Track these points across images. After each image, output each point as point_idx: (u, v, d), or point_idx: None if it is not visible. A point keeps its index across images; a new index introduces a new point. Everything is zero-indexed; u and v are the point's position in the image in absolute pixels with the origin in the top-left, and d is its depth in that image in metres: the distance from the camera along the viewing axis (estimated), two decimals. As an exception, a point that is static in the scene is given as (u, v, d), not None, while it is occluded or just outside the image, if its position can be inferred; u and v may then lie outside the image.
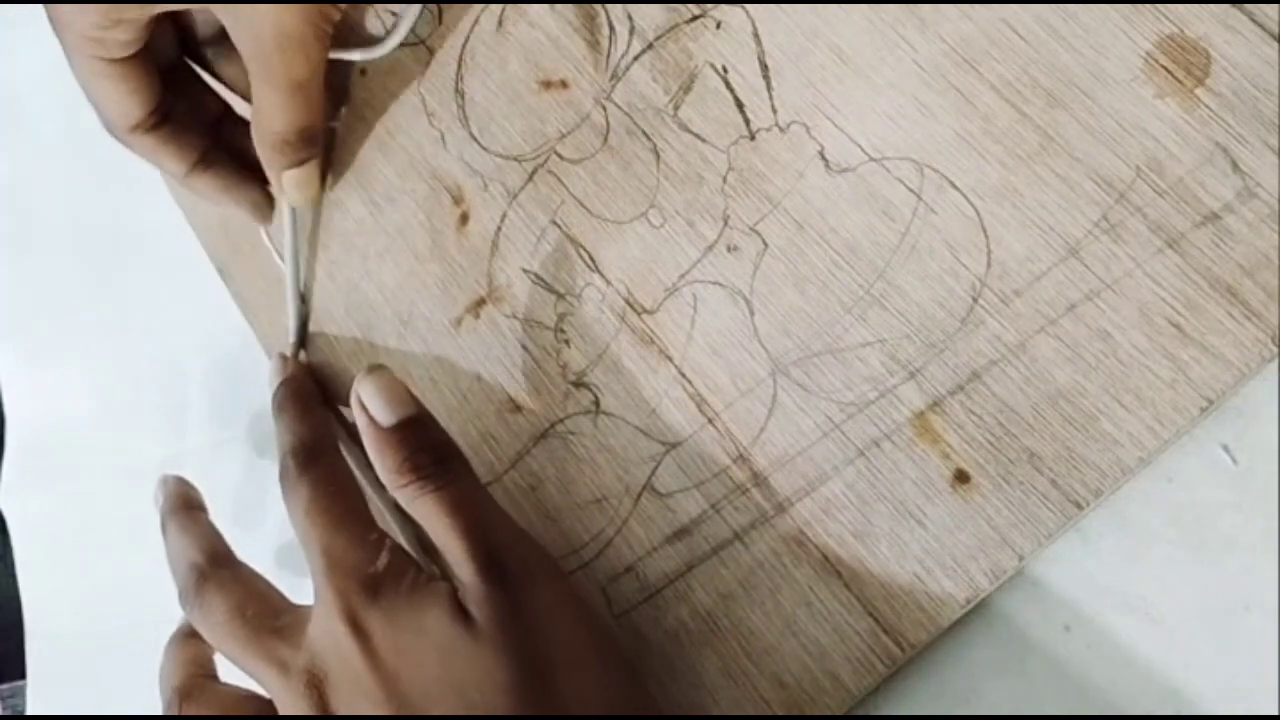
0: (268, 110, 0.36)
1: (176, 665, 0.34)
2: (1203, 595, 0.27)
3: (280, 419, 0.36)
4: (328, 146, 0.41)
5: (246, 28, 0.34)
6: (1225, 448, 0.28)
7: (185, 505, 0.36)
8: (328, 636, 0.29)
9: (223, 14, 0.34)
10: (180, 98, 0.40)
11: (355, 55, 0.39)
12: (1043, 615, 0.29)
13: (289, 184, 0.38)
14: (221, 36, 0.38)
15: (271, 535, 0.47)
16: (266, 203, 0.42)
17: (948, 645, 0.30)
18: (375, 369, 0.32)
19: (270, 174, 0.38)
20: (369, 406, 0.31)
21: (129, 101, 0.37)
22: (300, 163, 0.38)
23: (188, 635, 0.35)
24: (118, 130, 0.38)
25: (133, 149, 0.39)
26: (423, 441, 0.31)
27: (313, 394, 0.37)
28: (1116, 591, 0.28)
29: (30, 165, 0.56)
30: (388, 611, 0.29)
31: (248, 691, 0.32)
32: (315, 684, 0.29)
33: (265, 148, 0.37)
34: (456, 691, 0.27)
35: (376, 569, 0.29)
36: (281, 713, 0.30)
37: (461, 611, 0.28)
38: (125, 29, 0.35)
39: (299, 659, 0.29)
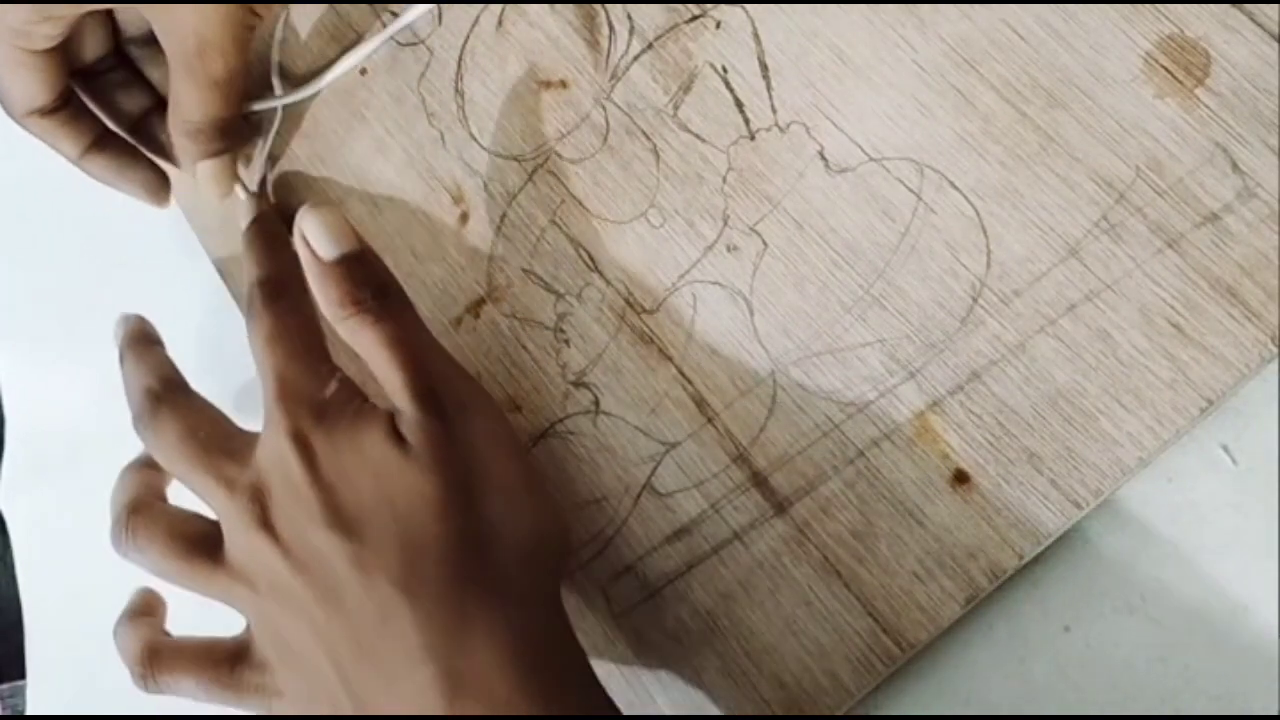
0: (184, 102, 0.37)
1: (128, 485, 0.35)
2: (1203, 595, 0.27)
3: (250, 254, 0.36)
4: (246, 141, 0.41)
5: (169, 30, 0.35)
6: (1225, 448, 0.28)
7: (142, 339, 0.37)
8: (274, 455, 0.30)
9: (149, 15, 0.36)
10: (100, 88, 0.41)
11: (274, 102, 0.41)
12: (1043, 615, 0.29)
13: (202, 175, 0.39)
14: (149, 36, 0.40)
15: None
16: (160, 183, 0.43)
17: (948, 645, 0.30)
18: (318, 204, 0.33)
19: (185, 165, 0.39)
20: (311, 241, 0.32)
21: (36, 88, 0.38)
22: (214, 154, 0.39)
23: (142, 464, 0.36)
24: (15, 112, 0.39)
25: (28, 129, 0.40)
26: (364, 275, 0.32)
27: (282, 234, 0.37)
28: (1116, 591, 0.28)
29: (30, 165, 0.56)
30: (331, 433, 0.30)
31: (195, 512, 0.33)
32: (258, 497, 0.30)
33: (179, 136, 0.38)
34: (388, 505, 0.29)
35: (325, 395, 0.31)
36: (225, 528, 0.31)
37: (398, 436, 0.30)
38: (52, 25, 0.36)
39: (245, 476, 0.31)
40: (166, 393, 0.34)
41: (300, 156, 0.41)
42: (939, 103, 0.29)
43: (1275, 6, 0.26)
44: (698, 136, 0.33)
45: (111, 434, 0.52)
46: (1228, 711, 0.27)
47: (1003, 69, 0.29)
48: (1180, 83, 0.27)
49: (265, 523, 0.30)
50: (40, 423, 0.56)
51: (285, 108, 0.41)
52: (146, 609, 0.36)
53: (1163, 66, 0.27)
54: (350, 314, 0.31)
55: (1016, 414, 0.28)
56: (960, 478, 0.29)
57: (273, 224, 0.37)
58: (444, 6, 0.38)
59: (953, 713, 0.30)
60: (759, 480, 0.31)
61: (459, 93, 0.38)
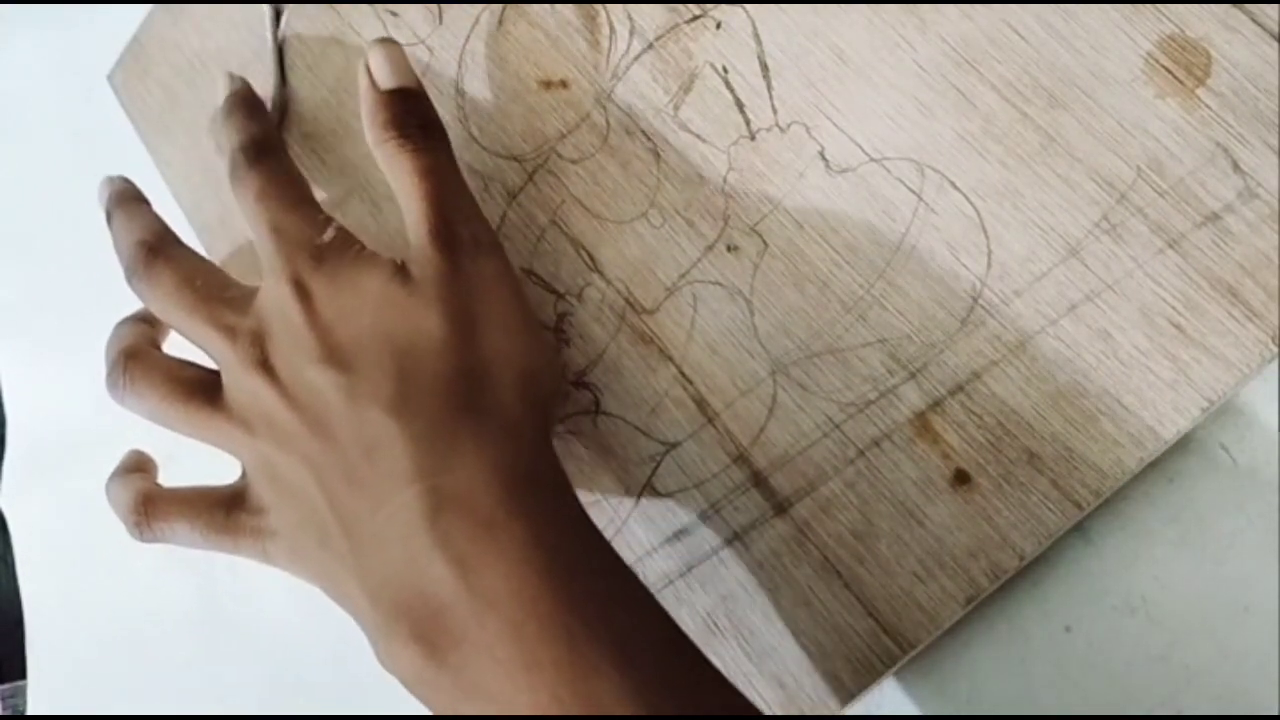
0: None
1: (124, 335, 0.35)
2: (1203, 596, 0.27)
3: (229, 121, 0.36)
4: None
5: None
6: (1226, 448, 0.27)
7: (130, 197, 0.37)
8: (273, 300, 0.31)
9: None
10: None
11: None
12: (1043, 615, 0.29)
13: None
14: None
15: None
16: None
17: (948, 645, 0.30)
18: (388, 41, 0.33)
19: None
20: (373, 68, 0.33)
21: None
22: None
23: (138, 318, 0.36)
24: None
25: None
26: (413, 108, 0.33)
27: (260, 104, 0.37)
28: (1117, 592, 0.28)
29: (30, 165, 0.56)
30: (330, 275, 0.30)
31: (191, 361, 0.33)
32: (258, 341, 0.30)
33: None
34: (386, 338, 0.29)
35: (323, 240, 0.31)
36: (224, 372, 0.31)
37: (402, 272, 0.30)
38: None
39: (245, 323, 0.31)
40: (160, 244, 0.34)
41: (301, 155, 0.41)
42: (940, 103, 0.29)
43: (1276, 6, 0.26)
44: (698, 136, 0.33)
45: (111, 434, 0.52)
46: (1228, 712, 0.27)
47: (1003, 69, 0.29)
48: (1181, 83, 0.27)
49: (264, 363, 0.30)
50: (40, 423, 0.56)
51: (286, 103, 0.41)
52: (138, 466, 0.36)
53: (1164, 66, 0.27)
54: (391, 138, 0.31)
55: (1017, 414, 0.28)
56: (961, 478, 0.29)
57: (250, 95, 0.37)
58: (444, 6, 0.38)
59: (953, 713, 0.30)
60: (759, 480, 0.31)
61: (459, 92, 0.38)
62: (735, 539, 0.32)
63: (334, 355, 0.29)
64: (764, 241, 0.31)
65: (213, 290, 0.32)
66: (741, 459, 0.32)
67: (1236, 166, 0.26)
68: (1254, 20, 0.26)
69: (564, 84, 0.35)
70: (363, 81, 0.33)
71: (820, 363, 0.31)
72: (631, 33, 0.34)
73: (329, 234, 0.31)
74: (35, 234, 0.56)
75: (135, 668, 0.52)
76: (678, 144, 0.33)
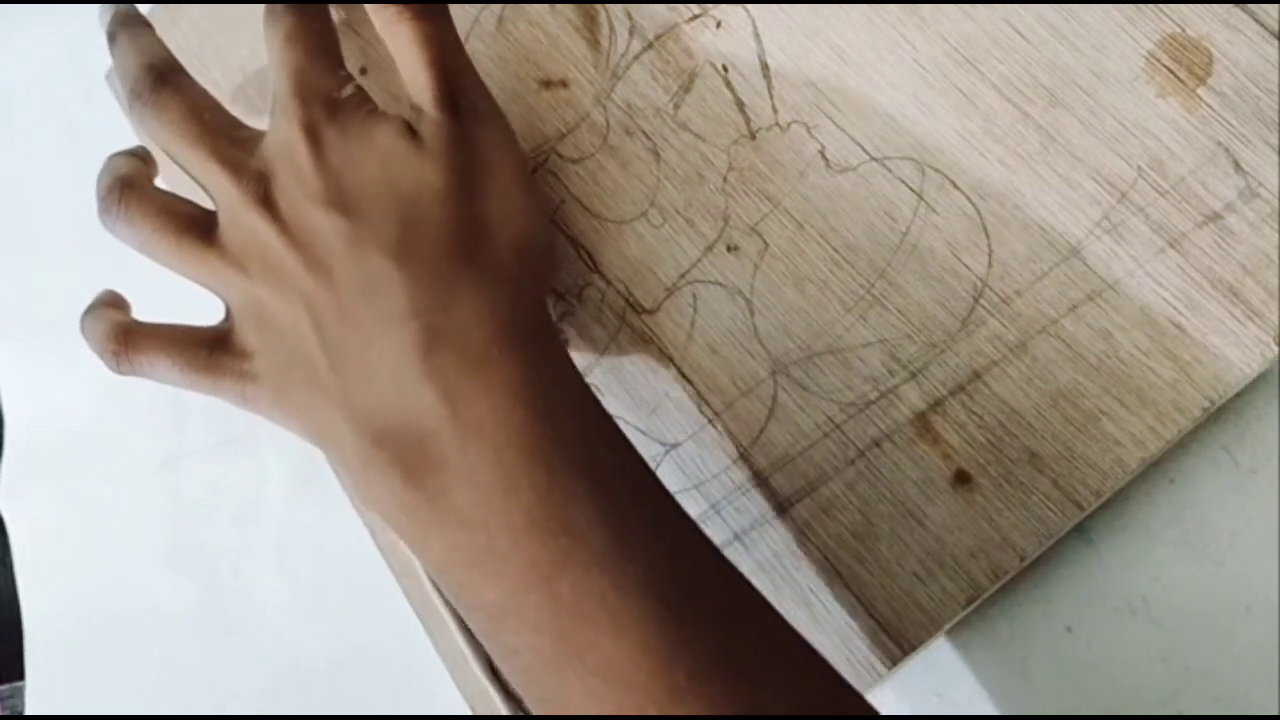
0: None
1: (120, 164, 0.34)
2: (1204, 597, 0.27)
3: None
4: None
5: None
6: (1227, 449, 0.27)
7: (136, 20, 0.36)
8: (282, 142, 0.30)
9: None
10: None
11: None
12: (1044, 616, 0.29)
13: None
14: None
15: (271, 536, 0.47)
16: None
17: (948, 645, 0.30)
18: None
19: None
20: None
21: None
22: None
23: (132, 153, 0.35)
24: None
25: None
26: None
27: None
28: (1118, 592, 0.28)
29: (30, 165, 0.56)
30: (342, 126, 0.30)
31: (188, 199, 0.33)
32: (262, 180, 0.30)
33: None
34: (391, 190, 0.29)
35: (341, 94, 0.31)
36: (222, 209, 0.31)
37: (411, 131, 0.30)
38: None
39: (251, 161, 0.31)
40: (169, 71, 0.33)
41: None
42: (940, 102, 0.29)
43: (1277, 6, 0.26)
44: (698, 136, 0.33)
45: (111, 434, 0.52)
46: (1228, 712, 0.27)
47: (1004, 68, 0.28)
48: (1182, 82, 0.27)
49: (266, 201, 0.30)
50: (40, 423, 0.56)
51: None
52: (113, 303, 0.35)
53: (1165, 66, 0.27)
54: (392, 7, 0.31)
55: (1018, 414, 0.28)
56: (961, 478, 0.29)
57: None
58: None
59: (953, 713, 0.30)
60: (760, 481, 0.31)
61: (459, 92, 0.38)
62: (736, 540, 0.31)
63: (339, 199, 0.29)
64: (764, 241, 0.31)
65: (220, 126, 0.32)
66: (742, 459, 0.32)
67: (1237, 166, 0.26)
68: (1255, 19, 0.26)
69: (564, 84, 0.35)
70: None
71: (821, 363, 0.31)
72: (631, 32, 0.34)
73: (348, 89, 0.31)
74: (35, 234, 0.56)
75: (135, 668, 0.52)
76: (678, 143, 0.33)
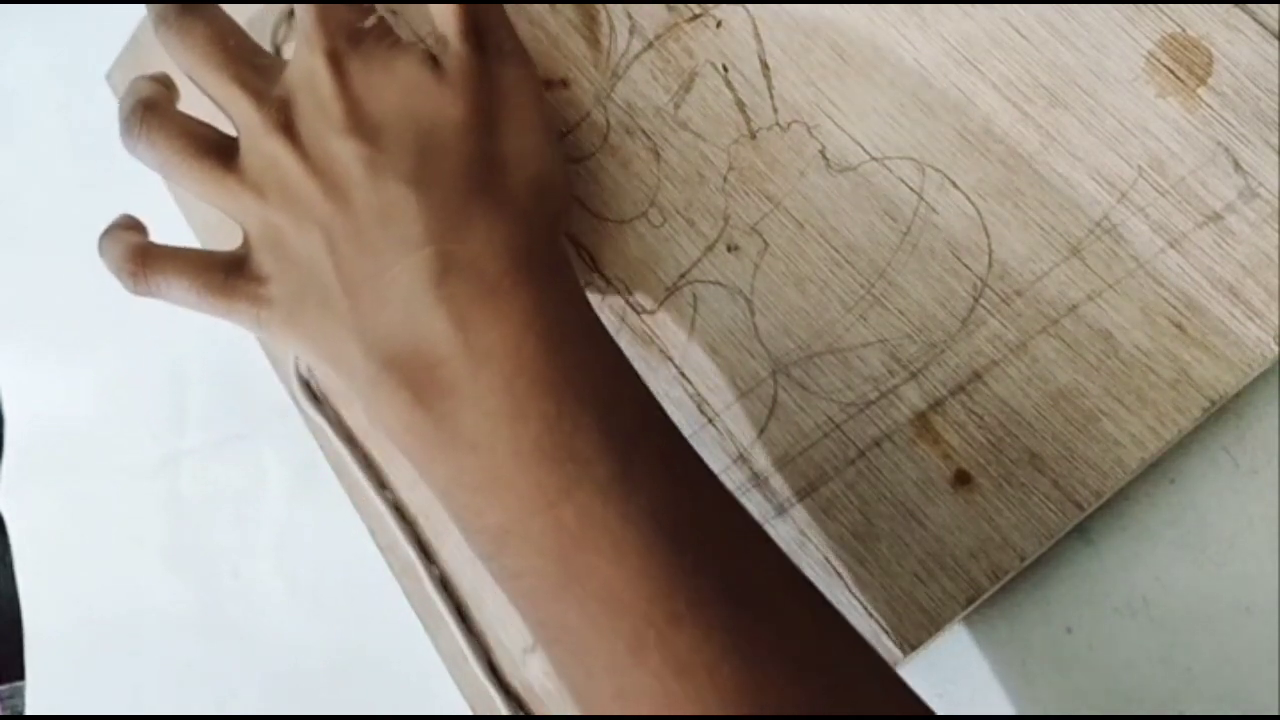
0: None
1: (143, 87, 0.34)
2: (1204, 597, 0.27)
3: None
4: None
5: None
6: (1227, 449, 0.27)
7: None
8: (304, 70, 0.31)
9: None
10: None
11: None
12: (1044, 616, 0.29)
13: None
14: None
15: (271, 536, 0.47)
16: None
17: (948, 645, 0.30)
18: None
19: None
20: None
21: None
22: None
23: (154, 77, 0.35)
24: None
25: None
26: None
27: None
28: (1118, 593, 0.28)
29: (30, 165, 0.56)
30: (365, 55, 0.31)
31: (210, 123, 0.33)
32: (283, 107, 0.31)
33: None
34: (411, 119, 0.30)
35: (364, 25, 0.31)
36: (243, 135, 0.31)
37: (434, 62, 0.31)
38: None
39: (273, 89, 0.31)
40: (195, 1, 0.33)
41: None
42: (941, 101, 0.29)
43: (1277, 6, 0.26)
44: (698, 135, 0.33)
45: (111, 434, 0.53)
46: (1228, 712, 0.27)
47: (1004, 68, 0.28)
48: (1182, 82, 0.27)
49: (287, 128, 0.30)
50: (40, 423, 0.56)
51: None
52: (131, 225, 0.35)
53: (1165, 66, 0.27)
54: None
55: (1018, 414, 0.28)
56: (961, 478, 0.29)
57: None
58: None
59: (954, 712, 0.30)
60: (760, 481, 0.31)
61: (459, 92, 0.38)
62: (735, 539, 0.31)
63: (359, 128, 0.30)
64: (764, 241, 0.31)
65: (244, 53, 0.32)
66: (742, 459, 0.32)
67: (1238, 166, 0.26)
68: (1255, 19, 0.26)
69: (564, 83, 0.35)
70: None
71: (821, 363, 0.31)
72: (631, 32, 0.34)
73: (372, 20, 0.32)
74: (35, 234, 0.56)
75: (134, 668, 0.52)
76: (678, 143, 0.33)
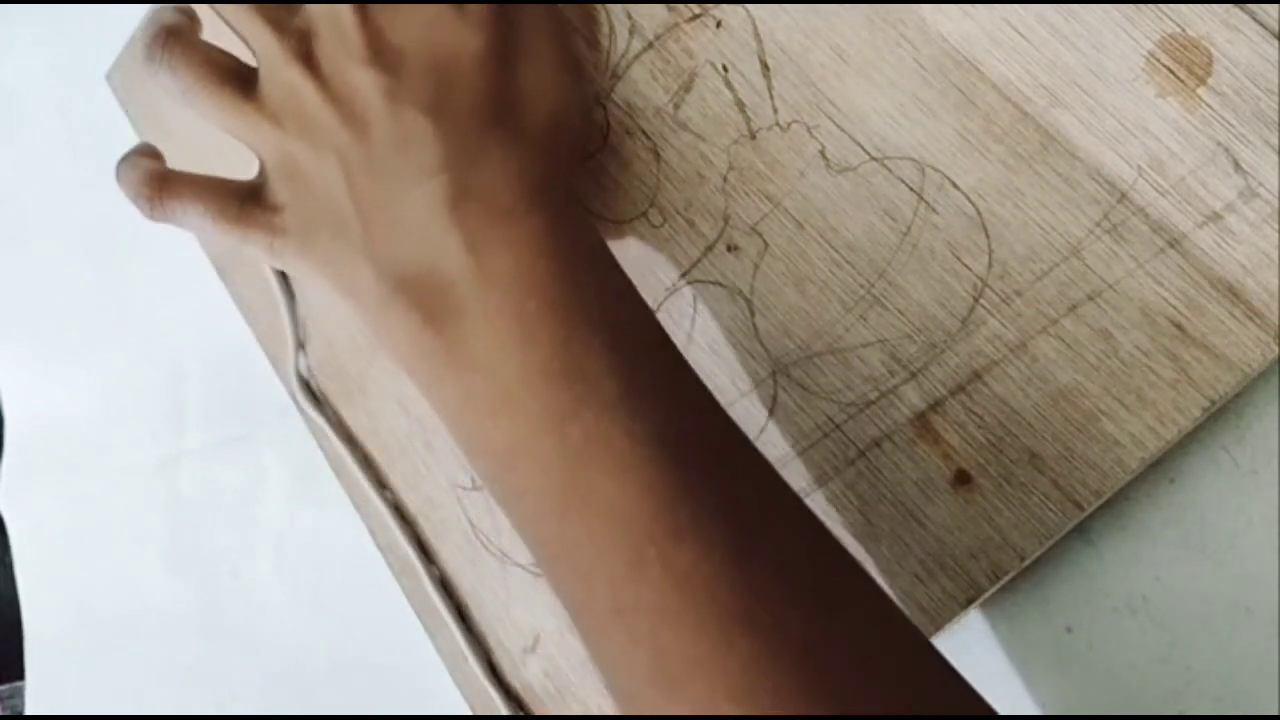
0: None
1: (167, 14, 0.34)
2: (1204, 597, 0.27)
3: None
4: None
5: None
6: (1227, 449, 0.27)
7: None
8: (326, 2, 0.31)
9: None
10: None
11: None
12: (1044, 616, 0.29)
13: None
14: None
15: (271, 536, 0.47)
16: None
17: (948, 645, 0.30)
18: None
19: None
20: None
21: None
22: None
23: (178, 6, 0.35)
24: None
25: None
26: None
27: None
28: (1118, 593, 0.28)
29: (30, 165, 0.56)
30: None
31: (232, 53, 0.33)
32: (305, 38, 0.31)
33: None
34: (431, 50, 0.30)
35: None
36: (263, 65, 0.32)
37: None
38: None
39: (294, 19, 0.31)
40: None
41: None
42: (940, 101, 0.29)
43: (1277, 6, 0.26)
44: (698, 136, 0.33)
45: (111, 434, 0.53)
46: (1229, 712, 0.27)
47: (1004, 68, 0.28)
48: (1182, 82, 0.27)
49: (307, 58, 0.30)
50: (40, 423, 0.56)
51: None
52: (149, 153, 0.35)
53: (1165, 66, 0.27)
54: None
55: (1018, 414, 0.28)
56: (961, 478, 0.29)
57: None
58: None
59: (954, 714, 0.30)
60: (759, 480, 0.31)
61: (459, 92, 0.38)
62: (735, 539, 0.31)
63: (379, 58, 0.30)
64: (764, 241, 0.31)
65: None
66: (742, 459, 0.32)
67: (1237, 166, 0.26)
68: (1255, 19, 0.26)
69: (564, 83, 0.35)
70: None
71: (821, 363, 0.31)
72: (631, 32, 0.34)
73: None
74: (35, 234, 0.56)
75: (134, 668, 0.52)
76: (678, 143, 0.33)
